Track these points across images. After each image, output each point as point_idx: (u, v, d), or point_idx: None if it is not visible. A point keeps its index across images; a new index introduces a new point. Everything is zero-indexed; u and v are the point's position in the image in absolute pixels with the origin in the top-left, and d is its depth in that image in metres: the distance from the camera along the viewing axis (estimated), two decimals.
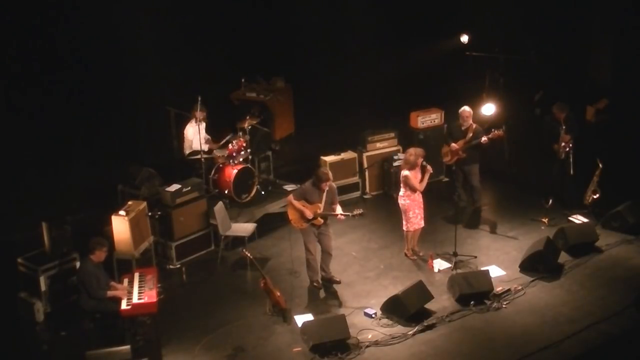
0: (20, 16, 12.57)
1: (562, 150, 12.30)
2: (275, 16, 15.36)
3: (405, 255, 11.43)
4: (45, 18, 12.80)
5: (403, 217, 11.16)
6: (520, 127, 14.54)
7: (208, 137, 12.60)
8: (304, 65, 15.70)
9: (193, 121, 12.44)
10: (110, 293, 9.49)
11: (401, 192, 11.10)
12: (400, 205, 11.15)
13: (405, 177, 10.97)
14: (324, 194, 10.49)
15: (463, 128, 12.30)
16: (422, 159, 10.98)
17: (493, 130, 12.15)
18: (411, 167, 10.98)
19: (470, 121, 12.25)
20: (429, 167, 11.00)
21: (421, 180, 11.01)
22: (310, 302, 10.50)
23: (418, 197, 11.07)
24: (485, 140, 12.03)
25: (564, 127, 12.21)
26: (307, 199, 10.50)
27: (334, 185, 10.78)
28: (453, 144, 12.36)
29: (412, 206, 11.05)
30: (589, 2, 15.05)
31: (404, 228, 11.21)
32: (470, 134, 12.19)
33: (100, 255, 9.53)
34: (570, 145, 12.27)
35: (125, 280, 9.80)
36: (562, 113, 12.27)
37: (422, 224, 11.23)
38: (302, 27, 15.64)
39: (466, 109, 12.28)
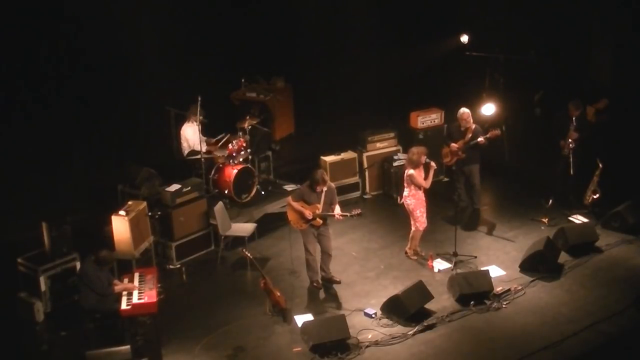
0: (21, 16, 12.57)
1: (567, 148, 12.32)
2: (275, 16, 15.34)
3: (406, 254, 11.43)
4: (46, 18, 12.80)
5: (411, 217, 11.16)
6: (520, 127, 14.51)
7: (205, 138, 12.58)
8: (304, 65, 15.69)
9: (190, 122, 12.43)
10: (118, 288, 9.48)
11: (405, 192, 11.10)
12: (406, 205, 11.14)
13: (411, 175, 10.98)
14: (323, 195, 10.50)
15: (462, 129, 12.31)
16: (424, 157, 11.00)
17: (490, 129, 12.17)
18: (415, 166, 10.99)
19: (470, 122, 12.26)
20: (432, 163, 11.00)
21: (426, 178, 11.03)
22: (310, 302, 10.49)
23: (422, 197, 11.08)
24: (482, 140, 12.04)
25: (574, 124, 12.25)
26: (305, 200, 10.50)
27: (332, 185, 10.78)
28: (453, 144, 12.37)
29: (417, 205, 11.06)
30: (588, 2, 15.02)
31: (413, 228, 11.21)
32: (469, 135, 12.20)
33: (103, 269, 9.52)
34: (572, 145, 12.29)
35: (126, 280, 9.79)
36: (577, 110, 12.35)
37: (426, 223, 11.25)
38: (302, 27, 15.63)
39: (465, 110, 12.28)
